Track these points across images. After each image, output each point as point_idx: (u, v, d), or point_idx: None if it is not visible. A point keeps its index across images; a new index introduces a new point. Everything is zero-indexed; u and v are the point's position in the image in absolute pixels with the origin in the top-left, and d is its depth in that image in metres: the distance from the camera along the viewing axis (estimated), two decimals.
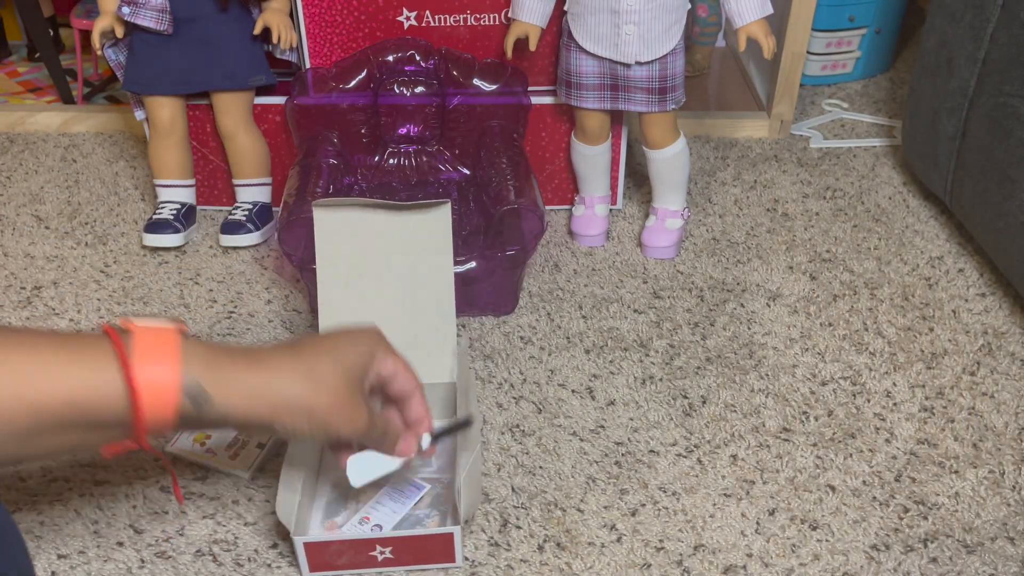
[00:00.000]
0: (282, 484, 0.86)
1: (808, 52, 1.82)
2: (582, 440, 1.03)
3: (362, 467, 0.83)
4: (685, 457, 1.00)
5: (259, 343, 1.18)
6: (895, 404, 1.07)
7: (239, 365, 0.67)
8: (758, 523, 0.92)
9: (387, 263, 1.00)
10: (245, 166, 1.38)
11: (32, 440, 0.61)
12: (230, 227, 1.36)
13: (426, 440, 0.83)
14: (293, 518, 0.84)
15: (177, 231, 1.35)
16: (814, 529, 0.92)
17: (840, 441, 1.02)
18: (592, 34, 1.20)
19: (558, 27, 1.28)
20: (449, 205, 0.98)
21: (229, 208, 1.44)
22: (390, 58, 1.33)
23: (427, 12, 1.32)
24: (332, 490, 0.95)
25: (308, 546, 0.84)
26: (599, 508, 0.94)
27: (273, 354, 0.70)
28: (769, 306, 1.24)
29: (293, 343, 0.73)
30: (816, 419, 1.05)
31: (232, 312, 1.24)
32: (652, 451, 1.01)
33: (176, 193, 1.40)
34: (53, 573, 0.88)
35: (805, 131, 1.70)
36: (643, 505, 0.95)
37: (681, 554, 0.89)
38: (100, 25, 1.30)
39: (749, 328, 1.20)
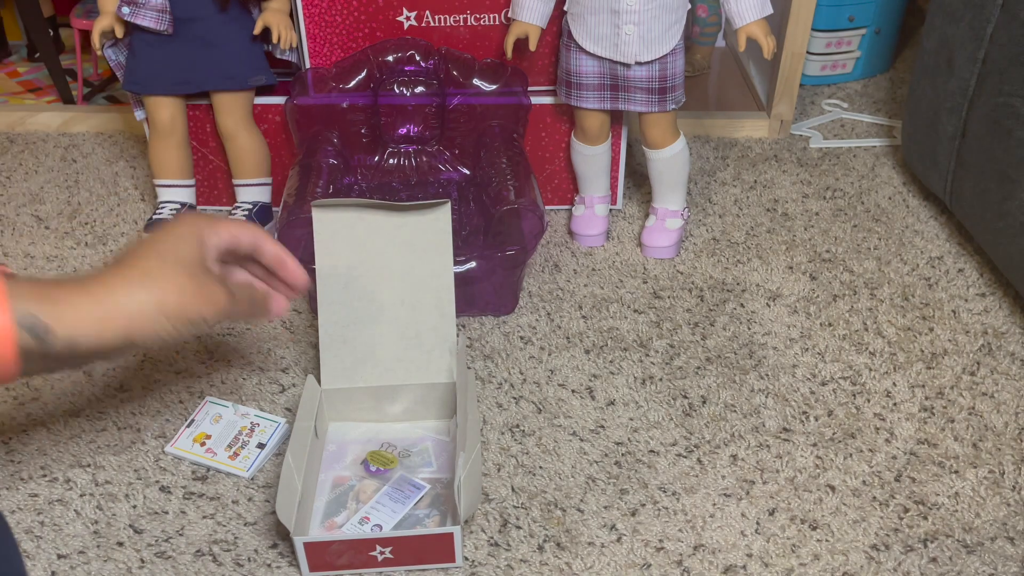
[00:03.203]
0: (282, 484, 0.86)
1: (808, 52, 1.82)
2: (582, 440, 1.03)
3: None
4: (685, 457, 1.00)
5: (259, 341, 1.18)
6: (895, 404, 1.07)
7: (73, 293, 0.63)
8: (758, 523, 0.92)
9: (387, 263, 1.00)
10: (245, 166, 1.38)
11: None
12: None
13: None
14: (293, 518, 0.84)
15: None
16: (814, 529, 0.92)
17: (840, 441, 1.02)
18: (592, 34, 1.20)
19: (558, 27, 1.28)
20: (449, 205, 0.98)
21: (229, 208, 1.44)
22: (390, 58, 1.33)
23: (427, 12, 1.32)
24: (331, 490, 0.95)
25: (308, 546, 0.84)
26: (599, 508, 0.94)
27: (103, 273, 0.66)
28: (769, 306, 1.24)
29: (117, 257, 0.69)
30: (816, 419, 1.05)
31: None
32: (652, 451, 1.01)
33: (176, 193, 1.40)
34: (53, 573, 0.88)
35: (805, 131, 1.70)
36: (643, 505, 0.95)
37: (681, 554, 0.89)
38: (100, 25, 1.30)
39: (749, 328, 1.20)
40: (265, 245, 0.81)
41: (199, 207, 1.46)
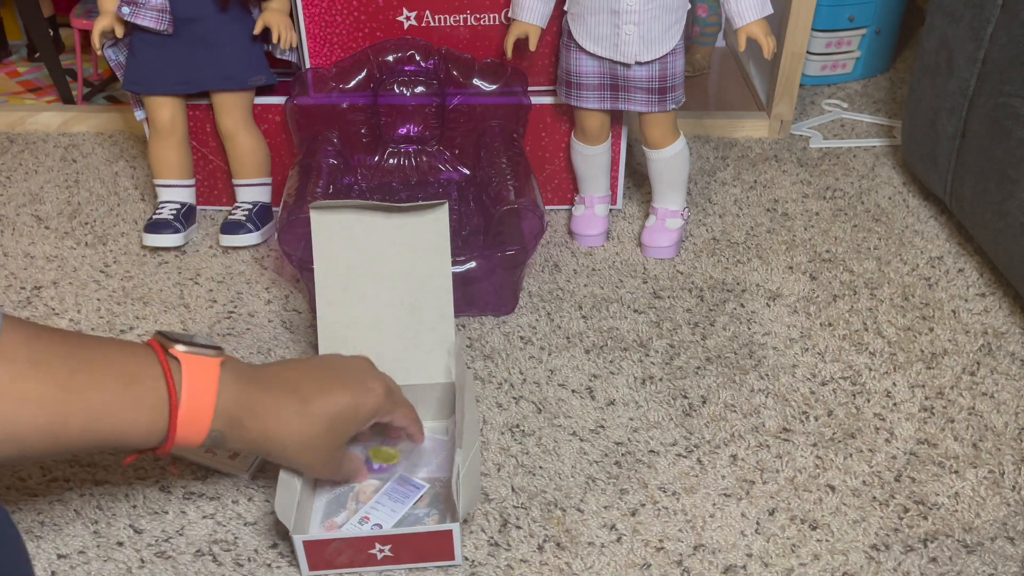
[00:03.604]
0: (281, 483, 0.86)
1: (808, 52, 1.82)
2: (582, 440, 1.03)
3: None
4: (685, 457, 1.00)
5: (260, 341, 1.18)
6: (895, 404, 1.07)
7: (255, 421, 0.78)
8: (758, 523, 0.92)
9: (385, 264, 1.00)
10: (245, 166, 1.38)
11: (65, 451, 0.70)
12: (230, 227, 1.36)
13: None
14: (292, 517, 0.84)
15: (177, 231, 1.35)
16: (814, 529, 0.92)
17: (840, 441, 1.02)
18: (592, 34, 1.20)
19: (558, 27, 1.28)
20: (447, 206, 0.98)
21: (229, 208, 1.44)
22: (390, 58, 1.33)
23: (427, 12, 1.32)
24: (331, 489, 0.95)
25: (308, 544, 0.84)
26: (599, 508, 0.94)
27: (284, 411, 0.80)
28: (769, 306, 1.24)
29: (309, 396, 0.82)
30: (816, 419, 1.05)
31: (232, 312, 1.24)
32: (652, 451, 1.01)
33: (176, 193, 1.40)
34: (53, 573, 0.88)
35: (805, 131, 1.70)
36: (643, 505, 0.95)
37: (681, 554, 0.89)
38: (100, 25, 1.30)
39: (749, 328, 1.20)
40: (411, 431, 0.96)
41: (199, 207, 1.46)
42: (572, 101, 1.28)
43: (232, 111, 1.35)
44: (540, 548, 0.90)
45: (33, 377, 0.65)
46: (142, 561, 0.89)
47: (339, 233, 0.98)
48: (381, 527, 0.90)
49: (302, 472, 0.87)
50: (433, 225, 0.99)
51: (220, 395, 0.74)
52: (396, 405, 0.90)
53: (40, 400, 0.65)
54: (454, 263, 1.15)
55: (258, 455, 0.85)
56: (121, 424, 0.70)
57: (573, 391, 1.10)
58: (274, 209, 1.43)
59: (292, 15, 1.33)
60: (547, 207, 1.45)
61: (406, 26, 1.34)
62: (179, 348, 0.74)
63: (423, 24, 1.33)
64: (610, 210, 1.42)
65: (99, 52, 1.33)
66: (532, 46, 1.25)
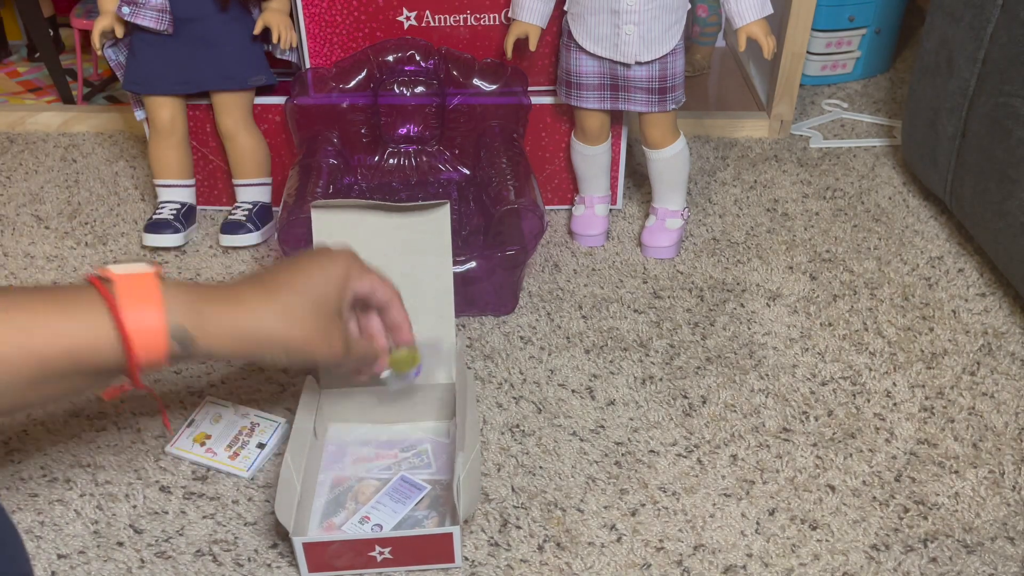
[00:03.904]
0: (281, 484, 0.86)
1: (808, 52, 1.82)
2: (582, 440, 1.03)
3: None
4: (685, 457, 1.00)
5: None
6: (895, 404, 1.07)
7: (218, 308, 0.71)
8: (758, 523, 0.92)
9: (386, 264, 1.00)
10: (245, 166, 1.38)
11: (36, 388, 0.66)
12: (230, 227, 1.36)
13: (386, 375, 0.91)
14: (292, 518, 0.84)
15: (177, 231, 1.35)
16: (814, 529, 0.92)
17: (840, 441, 1.02)
18: (592, 34, 1.20)
19: (558, 27, 1.28)
20: (448, 206, 0.98)
21: (229, 208, 1.44)
22: (390, 58, 1.33)
23: (427, 12, 1.32)
24: (331, 490, 0.95)
25: (307, 546, 0.84)
26: (599, 508, 0.94)
27: (248, 293, 0.74)
28: (769, 306, 1.24)
29: (266, 277, 0.77)
30: (816, 419, 1.05)
31: None
32: (652, 451, 1.01)
33: (176, 193, 1.40)
34: (53, 573, 0.88)
35: (805, 131, 1.70)
36: (643, 505, 0.94)
37: (681, 554, 0.89)
38: (100, 25, 1.30)
39: (749, 328, 1.20)
40: (393, 306, 0.88)
41: (199, 207, 1.46)
42: (572, 101, 1.28)
43: (232, 111, 1.35)
44: (540, 548, 0.90)
45: None
46: (142, 561, 0.89)
47: (340, 232, 0.98)
48: (382, 527, 0.90)
49: (306, 356, 0.77)
50: (434, 225, 0.99)
51: (166, 293, 0.68)
52: (365, 270, 0.84)
53: None
54: (454, 263, 1.15)
55: (241, 354, 0.74)
56: (61, 338, 0.64)
57: (573, 391, 1.10)
58: (274, 209, 1.43)
59: (292, 15, 1.33)
60: (547, 207, 1.45)
61: (406, 26, 1.34)
62: (110, 268, 0.69)
63: (423, 24, 1.33)
64: (610, 210, 1.42)
65: (99, 52, 1.33)
66: (532, 46, 1.25)
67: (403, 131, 1.37)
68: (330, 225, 0.98)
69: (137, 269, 0.70)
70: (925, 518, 0.93)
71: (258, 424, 1.04)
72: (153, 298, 0.68)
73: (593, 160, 1.35)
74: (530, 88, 1.36)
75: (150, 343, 0.67)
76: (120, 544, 0.91)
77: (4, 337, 0.63)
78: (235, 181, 1.40)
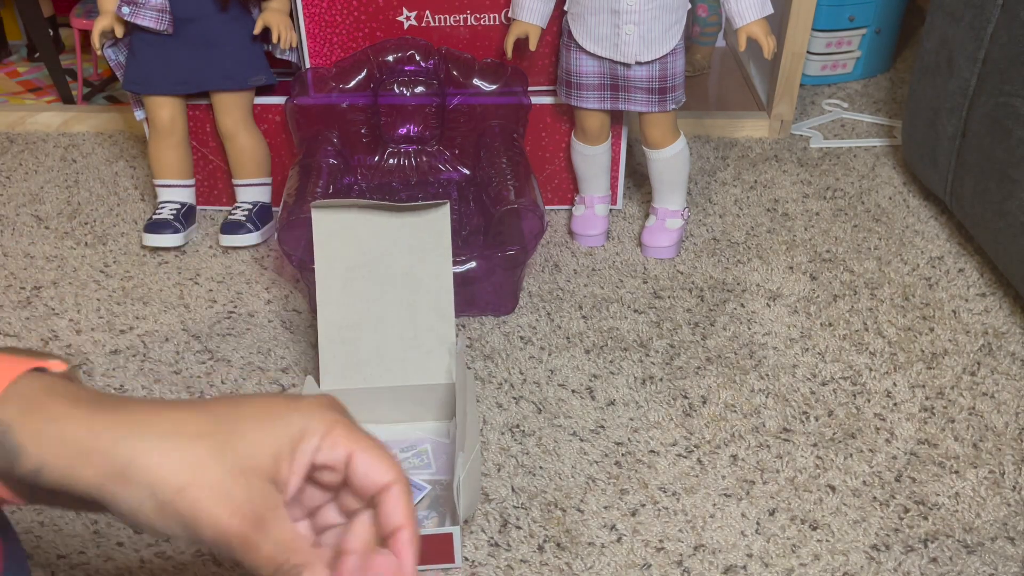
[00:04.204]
0: None
1: (808, 52, 1.82)
2: (582, 440, 1.03)
3: None
4: (685, 457, 1.00)
5: (260, 341, 1.18)
6: (895, 404, 1.07)
7: (78, 409, 0.44)
8: (758, 523, 0.92)
9: (386, 264, 1.00)
10: (245, 166, 1.38)
11: None
12: (230, 227, 1.36)
13: None
14: None
15: (177, 231, 1.35)
16: (814, 529, 0.92)
17: (840, 441, 1.02)
18: (592, 34, 1.20)
19: (558, 27, 1.28)
20: (448, 206, 0.98)
21: (229, 208, 1.44)
22: (390, 58, 1.33)
23: (427, 12, 1.32)
24: None
25: None
26: (599, 508, 0.94)
27: (143, 405, 0.45)
28: (769, 306, 1.24)
29: (201, 402, 0.47)
30: (816, 419, 1.05)
31: (232, 312, 1.24)
32: (652, 451, 1.01)
33: (176, 193, 1.39)
34: (53, 573, 0.88)
35: (805, 131, 1.70)
36: (643, 505, 0.94)
37: (681, 554, 0.89)
38: (100, 25, 1.30)
39: (749, 328, 1.20)
40: (391, 496, 0.50)
41: (199, 207, 1.46)
42: (572, 101, 1.28)
43: (232, 111, 1.35)
44: (540, 548, 0.90)
45: None
46: (142, 561, 0.89)
47: (340, 232, 0.98)
48: None
49: (188, 524, 0.43)
50: (434, 225, 0.99)
51: (17, 383, 0.44)
52: (350, 429, 0.47)
53: None
54: (454, 263, 1.15)
55: (83, 481, 0.43)
56: None
57: (573, 391, 1.10)
58: (274, 209, 1.43)
59: (292, 15, 1.33)
60: (547, 207, 1.45)
61: (406, 26, 1.34)
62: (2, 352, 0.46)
63: (423, 24, 1.33)
64: (610, 210, 1.42)
65: (99, 52, 1.33)
66: (532, 46, 1.25)
67: (403, 131, 1.37)
68: (330, 225, 0.98)
69: (24, 360, 0.46)
70: (925, 518, 0.93)
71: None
72: None
73: (593, 160, 1.35)
74: (530, 88, 1.36)
75: None
76: (120, 544, 0.91)
77: None
78: (235, 181, 1.40)
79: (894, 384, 1.10)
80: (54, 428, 0.43)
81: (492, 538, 0.91)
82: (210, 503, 0.43)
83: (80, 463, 0.43)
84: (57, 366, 0.47)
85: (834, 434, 1.03)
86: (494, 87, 1.33)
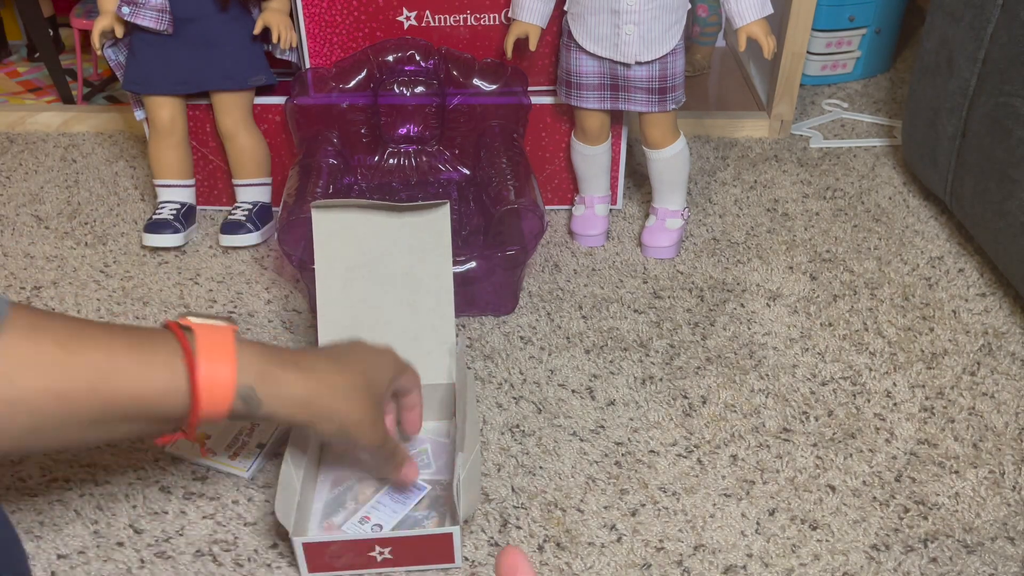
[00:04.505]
0: (280, 484, 0.86)
1: (808, 52, 1.82)
2: (582, 440, 1.03)
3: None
4: (685, 457, 1.00)
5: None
6: (895, 404, 1.07)
7: (288, 373, 0.74)
8: (758, 523, 0.92)
9: (386, 264, 1.00)
10: (245, 166, 1.38)
11: (94, 427, 0.66)
12: (230, 227, 1.36)
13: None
14: (292, 519, 0.84)
15: (177, 231, 1.35)
16: (814, 529, 0.92)
17: (840, 441, 1.02)
18: (592, 34, 1.20)
19: (558, 27, 1.28)
20: (448, 206, 0.98)
21: (229, 208, 1.44)
22: (390, 58, 1.33)
23: (427, 12, 1.32)
24: (331, 490, 0.95)
25: (307, 546, 0.84)
26: (599, 508, 0.94)
27: (318, 363, 0.77)
28: (769, 306, 1.24)
29: (333, 352, 0.82)
30: (816, 419, 1.05)
31: (232, 312, 1.24)
32: (652, 451, 1.01)
33: (176, 193, 1.40)
34: (53, 573, 0.88)
35: (805, 131, 1.70)
36: (643, 505, 0.94)
37: (681, 554, 0.89)
38: (100, 25, 1.30)
39: (749, 328, 1.20)
40: (415, 391, 0.93)
41: (199, 207, 1.46)
42: (572, 101, 1.28)
43: (232, 111, 1.35)
44: (540, 548, 0.90)
45: (32, 340, 0.63)
46: (142, 561, 0.89)
47: (340, 232, 0.98)
48: (381, 527, 0.90)
49: (352, 435, 0.80)
50: (434, 225, 0.99)
51: (240, 351, 0.70)
52: (405, 364, 0.90)
53: (39, 359, 0.63)
54: (454, 263, 1.15)
55: (298, 421, 0.75)
56: (134, 383, 0.65)
57: (573, 391, 1.10)
58: (274, 209, 1.43)
59: (292, 15, 1.33)
60: (547, 207, 1.45)
61: (406, 26, 1.34)
62: (190, 319, 0.71)
63: (423, 24, 1.33)
64: (610, 210, 1.42)
65: (99, 52, 1.33)
66: (532, 46, 1.25)
67: (403, 131, 1.37)
68: (330, 225, 0.98)
69: (216, 322, 0.72)
70: (925, 518, 0.93)
71: (258, 424, 1.04)
72: (228, 354, 0.70)
73: (593, 160, 1.35)
74: (530, 88, 1.36)
75: (216, 398, 0.69)
76: (120, 544, 0.91)
77: (77, 374, 0.64)
78: (235, 181, 1.40)
79: (894, 384, 1.10)
80: (282, 389, 0.73)
81: (492, 538, 0.91)
82: (369, 429, 0.81)
83: (298, 411, 0.75)
84: (233, 327, 0.73)
85: (834, 434, 1.03)
86: (494, 87, 1.34)
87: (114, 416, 0.66)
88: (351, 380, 0.79)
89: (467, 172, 1.38)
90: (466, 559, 0.89)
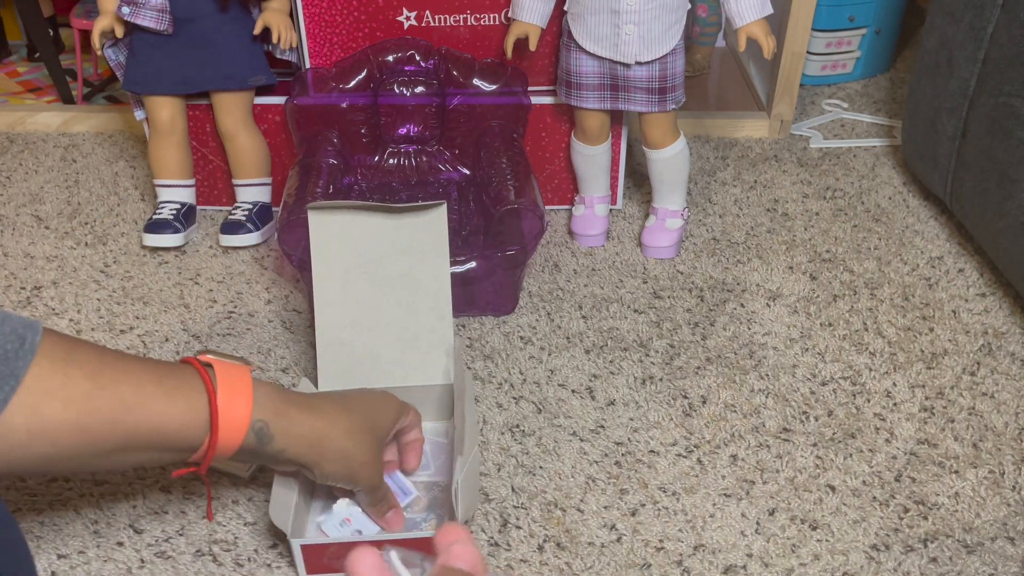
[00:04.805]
0: (276, 486, 0.86)
1: (808, 52, 1.82)
2: (582, 440, 1.03)
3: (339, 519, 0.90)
4: (685, 457, 1.00)
5: (260, 341, 1.18)
6: (895, 404, 1.07)
7: (300, 412, 0.77)
8: (758, 523, 0.92)
9: (383, 265, 1.00)
10: (245, 166, 1.38)
11: (109, 456, 0.68)
12: (230, 227, 1.36)
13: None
14: (289, 520, 0.84)
15: (177, 231, 1.35)
16: (814, 529, 0.92)
17: (840, 441, 1.02)
18: (592, 34, 1.20)
19: (558, 27, 1.28)
20: (444, 206, 0.98)
21: (229, 208, 1.44)
22: (390, 58, 1.33)
23: (427, 12, 1.32)
24: (329, 490, 0.95)
25: (305, 548, 0.84)
26: (599, 508, 0.94)
27: (326, 405, 0.80)
28: (769, 306, 1.24)
29: (339, 396, 0.85)
30: (816, 419, 1.05)
31: (232, 312, 1.24)
32: (652, 451, 1.01)
33: (176, 193, 1.40)
34: (53, 573, 0.88)
35: (805, 131, 1.70)
36: (643, 505, 0.94)
37: (681, 554, 0.89)
38: (100, 25, 1.30)
39: (749, 328, 1.20)
40: (415, 428, 0.94)
41: (199, 207, 1.46)
42: (572, 101, 1.28)
43: (232, 111, 1.35)
44: (540, 548, 0.90)
45: (63, 372, 0.65)
46: (142, 561, 0.89)
47: (337, 234, 0.98)
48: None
49: (355, 476, 0.83)
50: (431, 226, 0.99)
51: (256, 390, 0.74)
52: (407, 406, 0.92)
53: (69, 392, 0.65)
54: (454, 263, 1.15)
55: (305, 460, 0.79)
56: (155, 416, 0.68)
57: (573, 391, 1.10)
58: (274, 209, 1.43)
59: (292, 15, 1.33)
60: (547, 207, 1.45)
61: (406, 26, 1.34)
62: (209, 356, 0.76)
63: (423, 24, 1.33)
64: (610, 210, 1.42)
65: (99, 52, 1.33)
66: (532, 46, 1.25)
67: (403, 131, 1.37)
68: (327, 227, 0.98)
69: (232, 361, 0.76)
70: (925, 518, 0.93)
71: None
72: (245, 391, 0.73)
73: (593, 160, 1.35)
74: (530, 88, 1.36)
75: (231, 432, 0.72)
76: (120, 544, 0.91)
77: (104, 407, 0.66)
78: (235, 181, 1.40)
79: (894, 384, 1.10)
80: (293, 427, 0.76)
81: (492, 538, 0.91)
82: (371, 470, 0.83)
83: (307, 449, 0.77)
84: (249, 367, 0.78)
85: (834, 434, 1.03)
86: (494, 87, 1.33)
87: (132, 446, 0.68)
88: (358, 422, 0.82)
89: (467, 172, 1.38)
90: None
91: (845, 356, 1.15)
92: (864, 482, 0.97)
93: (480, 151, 1.34)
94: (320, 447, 0.78)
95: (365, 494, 0.87)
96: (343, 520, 0.90)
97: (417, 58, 1.33)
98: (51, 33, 1.88)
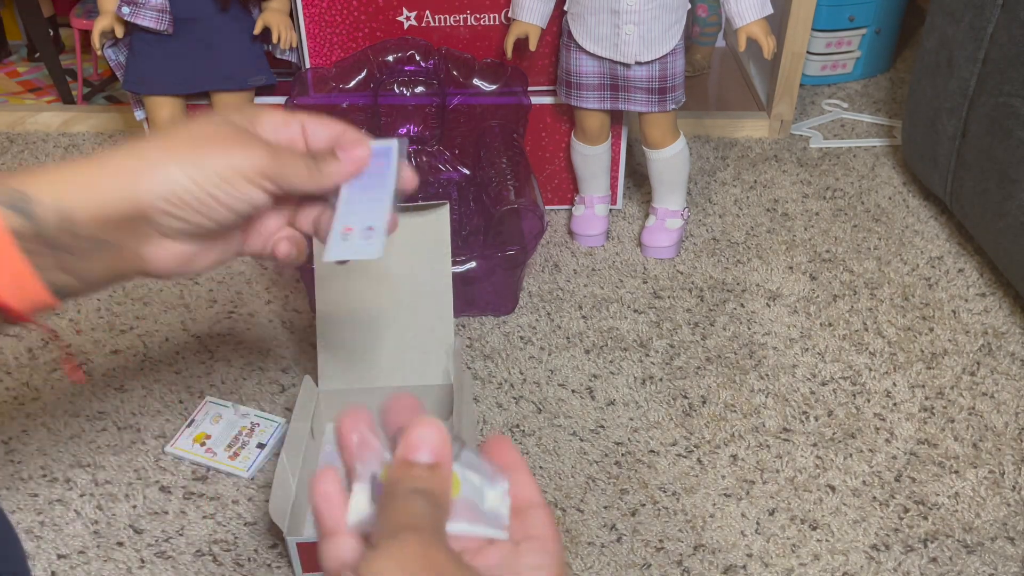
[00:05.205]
0: (276, 484, 0.86)
1: (808, 52, 1.82)
2: (582, 440, 1.03)
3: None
4: (685, 457, 1.00)
5: (259, 341, 1.18)
6: (895, 404, 1.07)
7: (65, 164, 0.49)
8: (758, 523, 0.92)
9: (385, 264, 1.00)
10: None
11: None
12: None
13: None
14: (287, 519, 0.84)
15: None
16: (814, 529, 0.92)
17: (840, 441, 1.02)
18: (592, 34, 1.20)
19: (558, 27, 1.28)
20: (447, 207, 0.98)
21: None
22: (390, 58, 1.33)
23: (427, 12, 1.32)
24: None
25: (301, 546, 0.84)
26: (599, 508, 0.94)
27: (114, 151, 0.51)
28: (769, 306, 1.24)
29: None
30: (816, 419, 1.05)
31: (232, 312, 1.24)
32: (652, 451, 1.01)
33: None
34: (53, 573, 0.88)
35: (805, 131, 1.70)
36: (643, 505, 0.94)
37: (681, 554, 0.89)
38: (100, 25, 1.29)
39: (749, 328, 1.20)
40: (348, 134, 0.56)
41: None
42: (572, 101, 1.28)
43: (232, 111, 1.34)
44: None
45: None
46: (142, 561, 0.89)
47: None
48: None
49: (214, 161, 0.51)
50: (433, 225, 0.99)
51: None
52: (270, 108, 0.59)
53: None
54: (454, 263, 1.15)
55: (136, 233, 0.49)
56: None
57: (573, 391, 1.10)
58: None
59: (292, 15, 1.33)
60: (547, 207, 1.45)
61: (406, 26, 1.34)
62: None
63: (423, 24, 1.33)
64: (610, 210, 1.42)
65: (99, 52, 1.33)
66: (532, 46, 1.25)
67: (403, 131, 1.37)
68: None
69: None
70: (925, 518, 0.93)
71: (258, 424, 1.04)
72: None
73: (593, 160, 1.35)
74: (530, 88, 1.36)
75: None
76: (120, 544, 0.91)
77: None
78: None
79: (894, 384, 1.10)
80: (56, 176, 0.48)
81: None
82: (227, 149, 0.52)
83: (98, 187, 0.48)
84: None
85: (834, 434, 1.03)
86: (494, 87, 1.33)
87: None
88: (160, 136, 0.52)
89: (467, 172, 1.38)
90: None
91: (845, 356, 1.15)
92: (864, 482, 0.97)
93: (480, 151, 1.34)
94: (114, 174, 0.49)
95: (276, 173, 0.52)
96: None
97: (417, 58, 1.33)
98: (51, 33, 1.88)
